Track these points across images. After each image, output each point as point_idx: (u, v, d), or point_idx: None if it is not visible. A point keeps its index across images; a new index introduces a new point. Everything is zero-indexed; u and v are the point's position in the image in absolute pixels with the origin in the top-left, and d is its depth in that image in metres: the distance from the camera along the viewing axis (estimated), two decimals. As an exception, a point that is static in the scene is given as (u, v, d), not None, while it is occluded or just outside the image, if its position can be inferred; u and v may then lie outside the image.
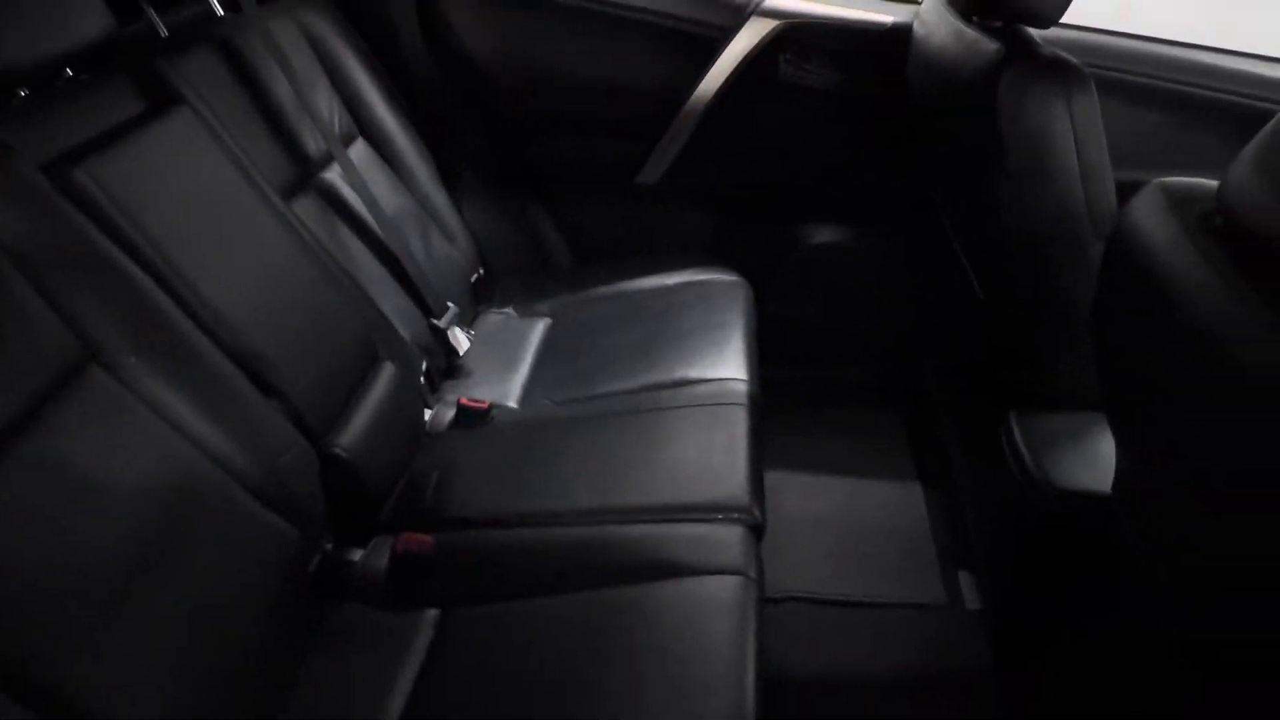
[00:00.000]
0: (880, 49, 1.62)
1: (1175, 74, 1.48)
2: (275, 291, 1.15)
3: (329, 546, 1.13)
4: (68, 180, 0.95)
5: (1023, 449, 1.16)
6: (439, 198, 1.71)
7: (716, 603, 1.01)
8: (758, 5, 1.64)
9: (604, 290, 1.75)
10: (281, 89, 1.38)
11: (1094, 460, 1.07)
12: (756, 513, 1.15)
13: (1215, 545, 0.68)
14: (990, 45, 1.13)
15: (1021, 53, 1.11)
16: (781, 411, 1.66)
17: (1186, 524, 0.74)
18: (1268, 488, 0.57)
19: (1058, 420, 1.17)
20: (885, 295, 1.90)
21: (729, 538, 1.09)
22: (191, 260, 1.04)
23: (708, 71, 1.70)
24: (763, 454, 1.29)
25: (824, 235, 1.88)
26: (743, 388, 1.37)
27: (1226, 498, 0.64)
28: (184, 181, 1.10)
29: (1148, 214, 0.69)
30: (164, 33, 1.28)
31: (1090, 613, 1.08)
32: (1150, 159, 1.26)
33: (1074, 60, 1.10)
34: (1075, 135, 1.06)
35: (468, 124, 1.80)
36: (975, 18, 1.23)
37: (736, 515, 1.13)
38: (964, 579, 1.52)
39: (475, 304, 1.73)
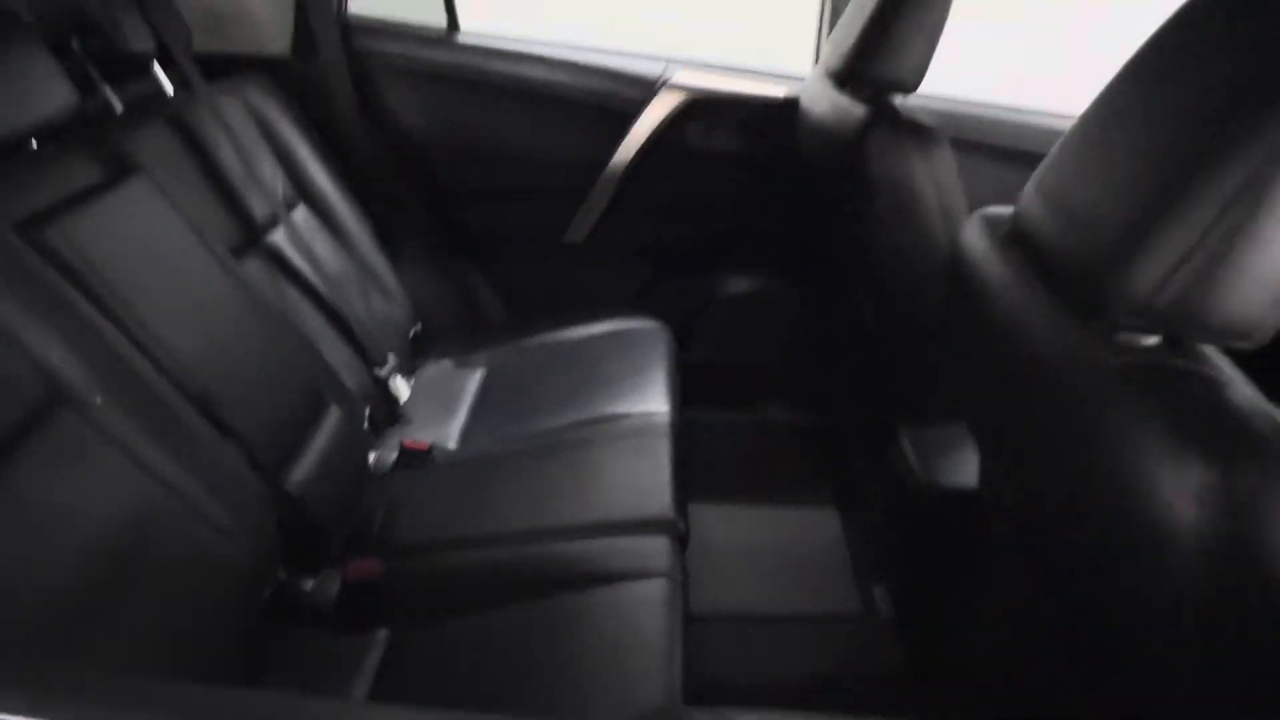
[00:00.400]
0: (774, 118, 1.82)
1: (1020, 135, 1.72)
2: (227, 342, 1.24)
3: (282, 576, 1.19)
4: (40, 239, 1.04)
5: (910, 458, 1.32)
6: (377, 260, 1.82)
7: (644, 602, 1.12)
8: (665, 80, 1.84)
9: (536, 341, 1.87)
10: (229, 160, 1.49)
11: (968, 462, 1.23)
12: (680, 525, 1.26)
13: (1048, 531, 0.81)
14: (860, 111, 1.32)
15: (886, 116, 1.30)
16: (706, 449, 1.79)
17: (1025, 511, 0.88)
18: (1065, 471, 0.71)
19: (939, 431, 1.33)
20: (797, 337, 2.07)
21: (655, 547, 1.21)
22: (151, 311, 1.13)
23: (624, 139, 1.88)
24: (686, 476, 1.41)
25: (739, 285, 2.06)
26: (665, 419, 1.50)
27: (1039, 481, 0.78)
28: (143, 241, 1.19)
29: (971, 235, 0.85)
30: (119, 109, 1.38)
31: (983, 604, 1.21)
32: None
33: (929, 122, 1.29)
34: (934, 183, 1.25)
35: (403, 192, 1.93)
36: (848, 88, 1.43)
37: (661, 527, 1.24)
38: (878, 591, 1.65)
39: (414, 358, 1.84)
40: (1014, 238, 0.78)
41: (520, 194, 1.98)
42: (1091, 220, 0.65)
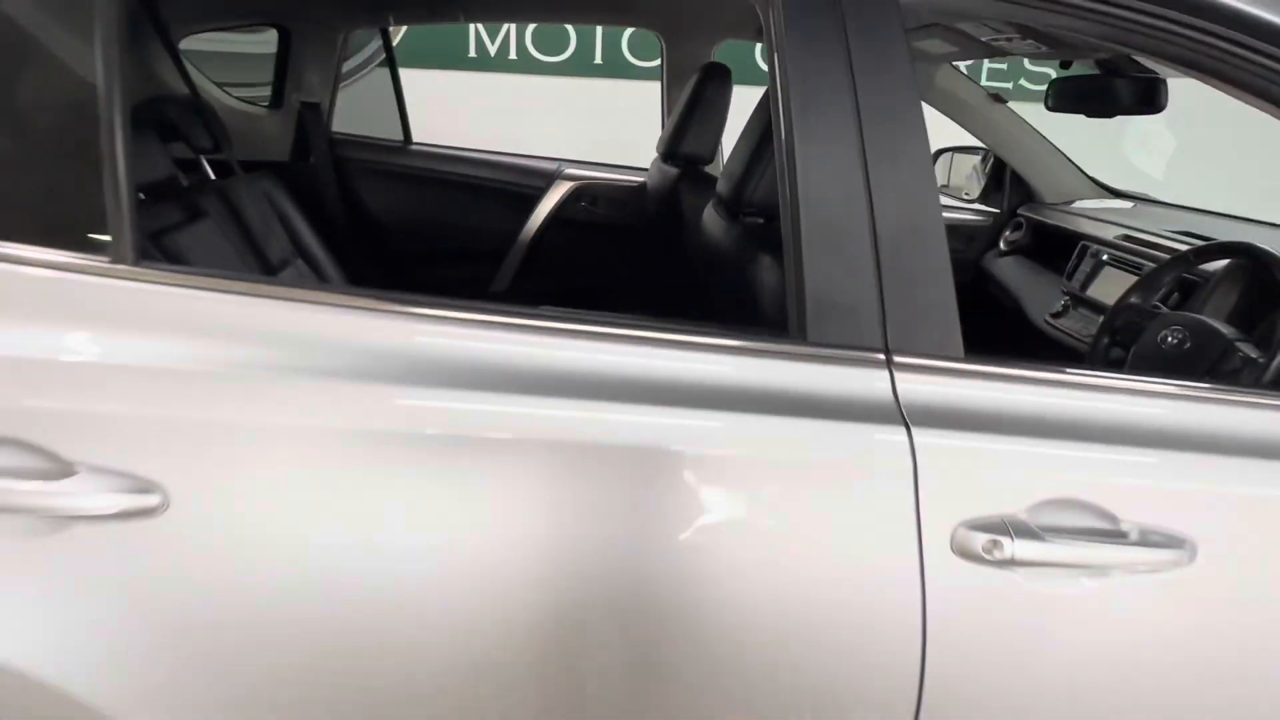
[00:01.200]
0: (636, 196, 2.61)
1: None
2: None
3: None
4: (163, 244, 1.69)
5: None
6: (351, 303, 2.48)
7: None
8: (561, 172, 2.63)
9: (470, 361, 2.53)
10: (254, 220, 2.17)
11: None
12: None
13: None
14: (674, 172, 2.10)
15: (691, 176, 2.08)
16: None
17: None
18: (727, 284, 1.42)
19: None
20: None
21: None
22: (220, 294, 1.77)
23: (532, 215, 2.63)
24: None
25: (622, 323, 2.77)
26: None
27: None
28: (214, 254, 1.85)
29: (707, 209, 1.59)
30: (185, 182, 2.06)
31: None
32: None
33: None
34: (719, 211, 2.01)
35: (370, 257, 2.63)
36: (669, 163, 2.21)
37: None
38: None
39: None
40: (716, 199, 1.52)
41: (457, 256, 2.70)
42: (733, 174, 1.39)
